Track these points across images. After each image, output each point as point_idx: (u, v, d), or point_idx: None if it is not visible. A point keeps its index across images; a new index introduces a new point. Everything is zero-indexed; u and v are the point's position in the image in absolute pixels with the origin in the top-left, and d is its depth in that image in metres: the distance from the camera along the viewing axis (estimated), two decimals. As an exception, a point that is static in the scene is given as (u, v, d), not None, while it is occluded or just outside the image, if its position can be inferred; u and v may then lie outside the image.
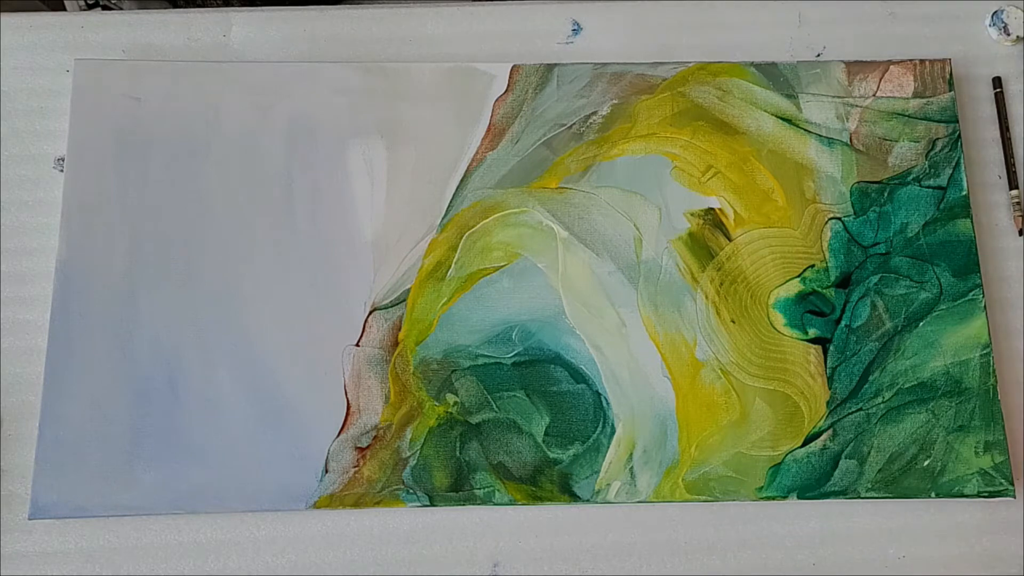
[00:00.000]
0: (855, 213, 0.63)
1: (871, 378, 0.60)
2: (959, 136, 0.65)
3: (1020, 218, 0.65)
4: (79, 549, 0.57)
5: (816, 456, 0.58)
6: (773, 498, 0.58)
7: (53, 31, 0.66)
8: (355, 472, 0.57)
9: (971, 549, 0.59)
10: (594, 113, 0.65)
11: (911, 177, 0.64)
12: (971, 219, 0.63)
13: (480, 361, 0.60)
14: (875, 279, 0.62)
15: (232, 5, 0.79)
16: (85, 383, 0.58)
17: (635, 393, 0.59)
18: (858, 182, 0.64)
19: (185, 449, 0.57)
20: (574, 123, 0.65)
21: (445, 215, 0.62)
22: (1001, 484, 0.58)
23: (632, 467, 0.58)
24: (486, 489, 0.58)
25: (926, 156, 0.64)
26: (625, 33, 0.68)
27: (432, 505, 0.57)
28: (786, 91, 0.65)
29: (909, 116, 0.65)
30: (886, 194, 0.63)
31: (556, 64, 0.66)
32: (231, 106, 0.64)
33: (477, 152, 0.64)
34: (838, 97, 0.66)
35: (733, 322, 0.61)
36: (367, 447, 0.58)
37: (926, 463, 0.58)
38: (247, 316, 0.60)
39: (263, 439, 0.57)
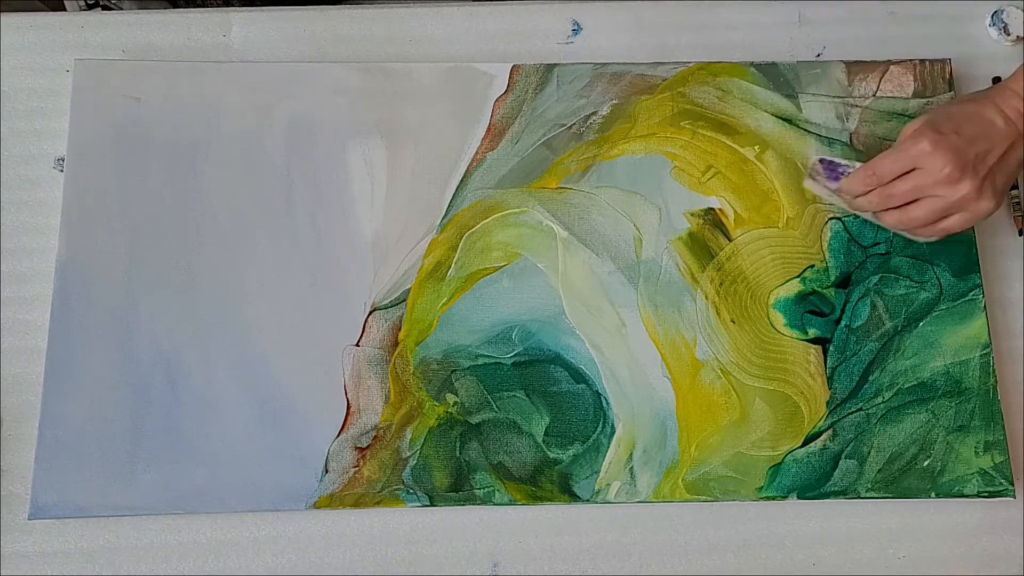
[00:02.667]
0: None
1: (871, 378, 0.60)
2: (959, 136, 0.65)
3: (1020, 218, 0.65)
4: (79, 549, 0.57)
5: (816, 456, 0.58)
6: (773, 498, 0.58)
7: (53, 31, 0.66)
8: (355, 472, 0.57)
9: (971, 549, 0.59)
10: (594, 113, 0.65)
11: (911, 177, 0.64)
12: (971, 219, 0.63)
13: (480, 361, 0.60)
14: (875, 279, 0.62)
15: (232, 5, 0.79)
16: (85, 383, 0.58)
17: (635, 393, 0.59)
18: (858, 182, 0.63)
19: (185, 449, 0.57)
20: (574, 123, 0.65)
21: (445, 215, 0.62)
22: (1001, 484, 0.58)
23: (632, 467, 0.58)
24: (486, 489, 0.57)
25: (926, 156, 0.64)
26: (625, 33, 0.68)
27: (432, 505, 0.57)
28: (786, 91, 0.65)
29: (909, 116, 0.65)
30: (886, 194, 0.63)
31: (556, 64, 0.66)
32: (231, 106, 0.64)
33: (477, 152, 0.64)
34: (838, 97, 0.65)
35: (733, 322, 0.61)
36: (367, 447, 0.58)
37: (926, 463, 0.58)
38: (247, 316, 0.60)
39: (263, 439, 0.57)
